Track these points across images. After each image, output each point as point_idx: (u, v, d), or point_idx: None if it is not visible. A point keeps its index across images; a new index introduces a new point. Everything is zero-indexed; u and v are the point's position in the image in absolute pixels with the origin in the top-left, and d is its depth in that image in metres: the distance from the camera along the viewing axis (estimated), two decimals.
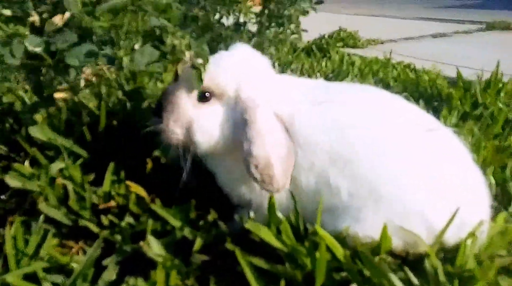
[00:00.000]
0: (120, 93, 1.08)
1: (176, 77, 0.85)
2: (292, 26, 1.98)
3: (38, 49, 0.78)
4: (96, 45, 0.81)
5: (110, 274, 0.78)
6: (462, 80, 1.71)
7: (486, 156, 1.08)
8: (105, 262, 0.80)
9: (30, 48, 0.77)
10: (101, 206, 0.83)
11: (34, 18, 0.81)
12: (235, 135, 0.82)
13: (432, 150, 0.78)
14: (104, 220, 0.83)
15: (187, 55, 0.83)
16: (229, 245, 0.78)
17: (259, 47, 2.07)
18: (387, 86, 1.88)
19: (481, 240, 0.76)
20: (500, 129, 1.33)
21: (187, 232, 0.84)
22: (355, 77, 1.90)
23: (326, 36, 3.26)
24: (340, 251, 0.70)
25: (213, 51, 0.89)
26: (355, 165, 0.76)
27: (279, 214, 0.78)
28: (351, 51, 3.14)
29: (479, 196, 0.80)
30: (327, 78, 1.91)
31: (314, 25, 2.89)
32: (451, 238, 0.74)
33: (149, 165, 0.92)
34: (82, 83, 0.98)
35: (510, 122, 1.39)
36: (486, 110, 1.42)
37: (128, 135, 0.97)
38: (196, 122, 0.83)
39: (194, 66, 0.81)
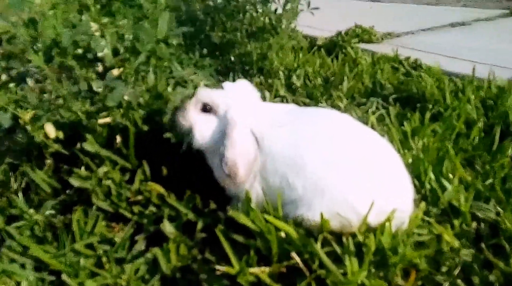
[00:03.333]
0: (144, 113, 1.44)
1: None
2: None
3: (99, 89, 1.16)
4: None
5: (140, 245, 1.15)
6: (442, 80, 1.93)
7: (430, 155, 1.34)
8: (136, 237, 1.17)
9: (95, 88, 1.15)
10: (132, 199, 1.20)
11: (99, 68, 1.19)
12: (220, 141, 1.15)
13: (364, 157, 1.08)
14: (135, 208, 1.20)
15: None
16: (219, 227, 1.13)
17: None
18: (380, 87, 2.12)
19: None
20: (462, 128, 1.56)
21: (191, 216, 1.19)
22: (352, 79, 2.15)
23: (342, 33, 3.47)
24: (286, 228, 1.02)
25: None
26: (306, 169, 1.08)
27: (253, 205, 1.11)
28: (366, 46, 3.33)
29: (401, 191, 1.09)
30: (327, 81, 2.18)
31: (332, 20, 3.05)
32: (374, 222, 1.04)
33: (164, 171, 1.27)
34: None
35: (475, 123, 1.61)
36: (454, 112, 1.65)
37: (152, 148, 1.34)
38: (196, 124, 1.22)
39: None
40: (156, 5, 1.71)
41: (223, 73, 2.20)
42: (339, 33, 3.48)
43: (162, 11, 1.52)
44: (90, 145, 1.29)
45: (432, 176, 1.27)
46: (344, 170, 1.05)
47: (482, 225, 1.16)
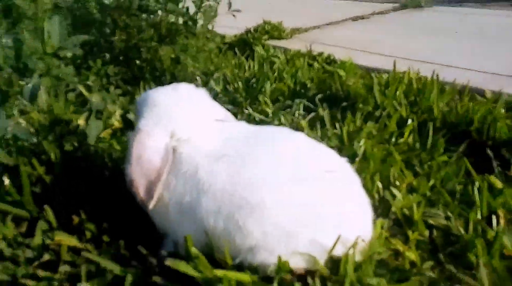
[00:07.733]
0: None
1: None
2: None
3: None
4: None
5: None
6: (370, 76, 1.91)
7: (375, 162, 1.27)
8: None
9: None
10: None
11: None
12: None
13: (325, 190, 0.94)
14: (40, 272, 0.92)
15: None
16: (155, 278, 0.92)
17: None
18: (304, 88, 2.04)
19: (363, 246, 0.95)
20: (395, 128, 1.53)
21: (117, 270, 0.96)
22: (273, 82, 2.04)
23: (252, 30, 3.36)
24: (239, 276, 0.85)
25: None
26: (261, 209, 0.90)
27: (194, 250, 0.91)
28: (277, 43, 3.27)
29: (362, 218, 0.98)
30: (248, 84, 2.03)
31: (241, 17, 2.95)
32: (339, 252, 0.92)
33: (75, 220, 1.01)
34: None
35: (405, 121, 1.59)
36: (384, 111, 1.62)
37: (57, 187, 1.06)
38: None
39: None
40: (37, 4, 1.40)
41: (131, 82, 1.93)
42: (248, 31, 3.37)
43: (49, 14, 1.22)
44: None
45: (379, 184, 1.20)
46: (307, 204, 0.91)
47: (435, 232, 1.11)
